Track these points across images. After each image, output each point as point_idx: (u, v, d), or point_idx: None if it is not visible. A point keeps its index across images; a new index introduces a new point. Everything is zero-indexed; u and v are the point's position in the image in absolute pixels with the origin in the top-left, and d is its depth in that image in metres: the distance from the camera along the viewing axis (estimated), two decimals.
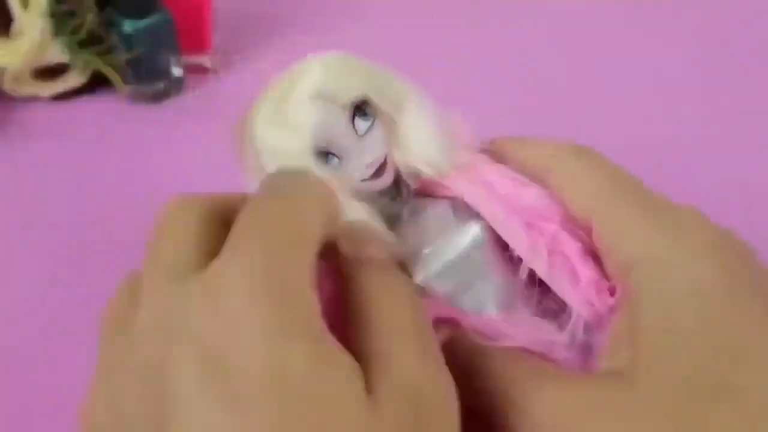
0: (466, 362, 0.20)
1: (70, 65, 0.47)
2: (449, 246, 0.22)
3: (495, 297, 0.22)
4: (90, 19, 0.44)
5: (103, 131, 0.46)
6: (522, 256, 0.21)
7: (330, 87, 0.21)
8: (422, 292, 0.21)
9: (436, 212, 0.22)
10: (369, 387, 0.16)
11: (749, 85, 0.49)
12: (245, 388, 0.15)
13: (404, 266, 0.21)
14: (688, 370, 0.18)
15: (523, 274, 0.21)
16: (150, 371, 0.16)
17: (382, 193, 0.22)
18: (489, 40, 0.54)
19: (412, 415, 0.16)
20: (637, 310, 0.19)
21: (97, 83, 0.48)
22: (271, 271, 0.16)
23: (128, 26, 0.44)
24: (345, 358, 0.17)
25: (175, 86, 0.48)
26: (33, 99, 0.47)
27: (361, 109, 0.21)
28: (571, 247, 0.21)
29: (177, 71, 0.48)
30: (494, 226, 0.22)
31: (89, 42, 0.45)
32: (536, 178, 0.23)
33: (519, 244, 0.21)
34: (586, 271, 0.21)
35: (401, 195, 0.23)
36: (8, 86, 0.46)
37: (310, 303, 0.17)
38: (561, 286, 0.21)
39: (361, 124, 0.21)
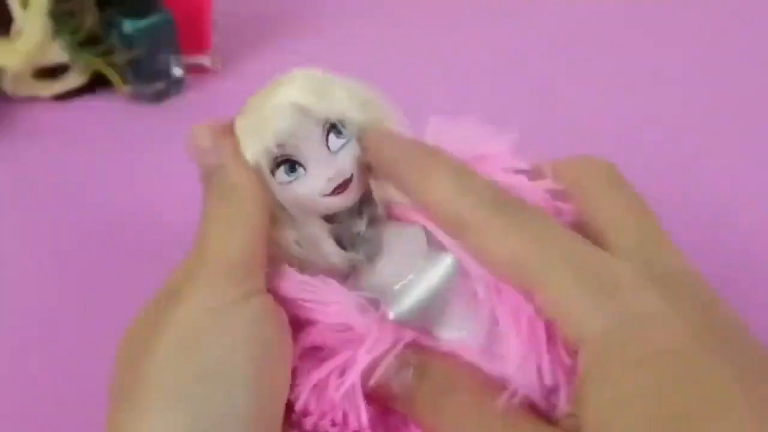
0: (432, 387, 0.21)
1: (71, 65, 0.47)
2: (422, 281, 0.21)
3: (467, 324, 0.21)
4: (90, 19, 0.44)
5: (104, 131, 0.46)
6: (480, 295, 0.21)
7: (309, 100, 0.21)
8: (395, 323, 0.21)
9: (408, 239, 0.22)
10: None
11: (749, 85, 0.49)
12: None
13: (374, 299, 0.21)
14: None
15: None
16: None
17: (350, 212, 0.22)
18: (488, 39, 0.54)
19: None
20: (585, 391, 0.18)
21: (97, 83, 0.48)
22: None
23: (128, 26, 0.44)
24: None
25: (175, 86, 0.48)
26: (33, 99, 0.47)
27: (336, 128, 0.21)
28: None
29: (177, 71, 0.48)
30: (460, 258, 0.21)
31: (89, 42, 0.45)
32: (448, 232, 0.21)
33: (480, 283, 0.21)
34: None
35: (362, 216, 0.22)
36: (8, 86, 0.46)
37: None
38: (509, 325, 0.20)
39: (335, 141, 0.21)
